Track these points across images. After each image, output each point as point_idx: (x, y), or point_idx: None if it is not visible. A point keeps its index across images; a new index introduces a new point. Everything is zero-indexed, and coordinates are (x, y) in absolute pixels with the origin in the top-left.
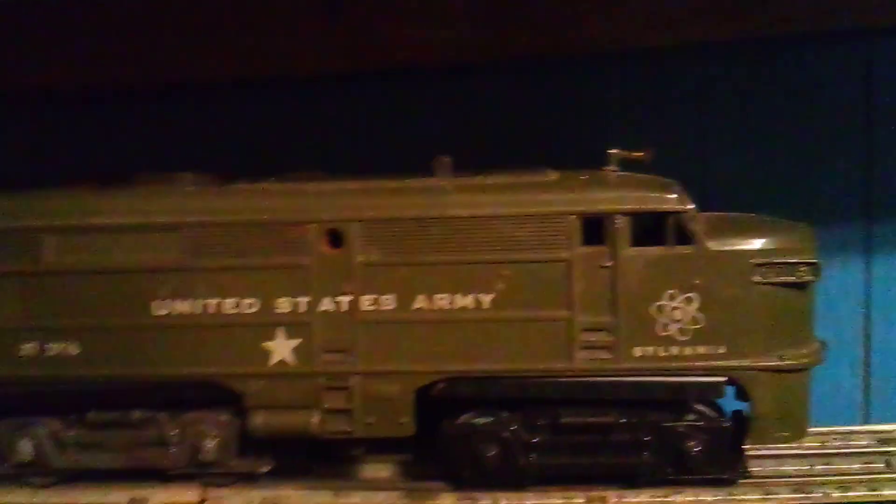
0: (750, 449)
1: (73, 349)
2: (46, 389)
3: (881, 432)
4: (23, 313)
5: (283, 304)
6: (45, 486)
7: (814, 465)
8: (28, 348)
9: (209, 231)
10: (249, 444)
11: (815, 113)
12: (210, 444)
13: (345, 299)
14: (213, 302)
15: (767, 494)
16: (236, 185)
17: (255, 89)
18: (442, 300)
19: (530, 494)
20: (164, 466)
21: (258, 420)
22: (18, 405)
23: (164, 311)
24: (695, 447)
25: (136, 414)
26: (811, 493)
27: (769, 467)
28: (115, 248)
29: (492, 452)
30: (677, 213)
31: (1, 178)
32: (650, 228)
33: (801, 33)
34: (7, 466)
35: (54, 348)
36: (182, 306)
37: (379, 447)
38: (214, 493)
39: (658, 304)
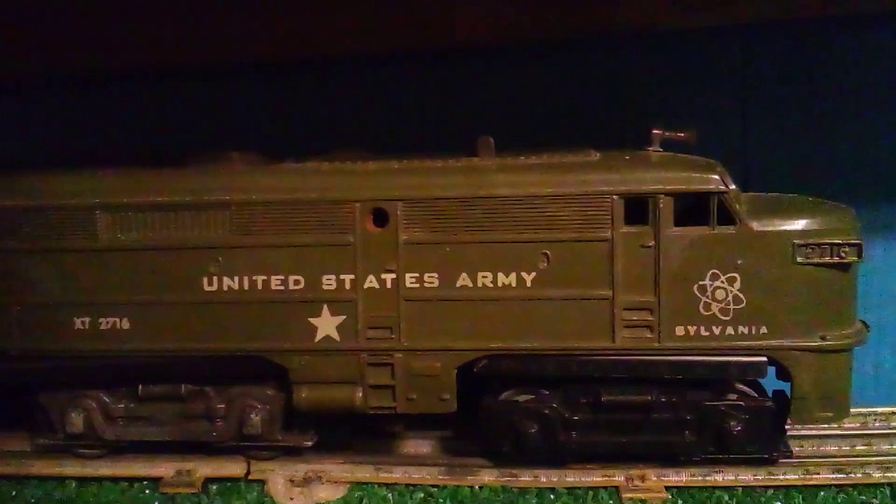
0: (791, 429)
1: (124, 324)
2: (98, 363)
3: None
4: (77, 288)
5: (329, 282)
6: (94, 458)
7: (855, 446)
8: (81, 322)
9: (257, 209)
10: (294, 418)
11: (857, 93)
12: (256, 418)
13: (389, 277)
14: (260, 278)
15: (808, 474)
16: (283, 164)
17: (300, 70)
18: (485, 278)
19: (570, 471)
20: (211, 439)
21: (303, 395)
22: (71, 378)
23: (213, 288)
24: (736, 426)
25: (185, 388)
26: (852, 473)
27: (810, 447)
28: (166, 225)
29: (533, 429)
30: (720, 193)
31: (55, 157)
32: (691, 209)
33: (843, 14)
34: (59, 437)
35: (106, 323)
36: (230, 283)
37: (419, 423)
38: (259, 466)
39: (700, 283)
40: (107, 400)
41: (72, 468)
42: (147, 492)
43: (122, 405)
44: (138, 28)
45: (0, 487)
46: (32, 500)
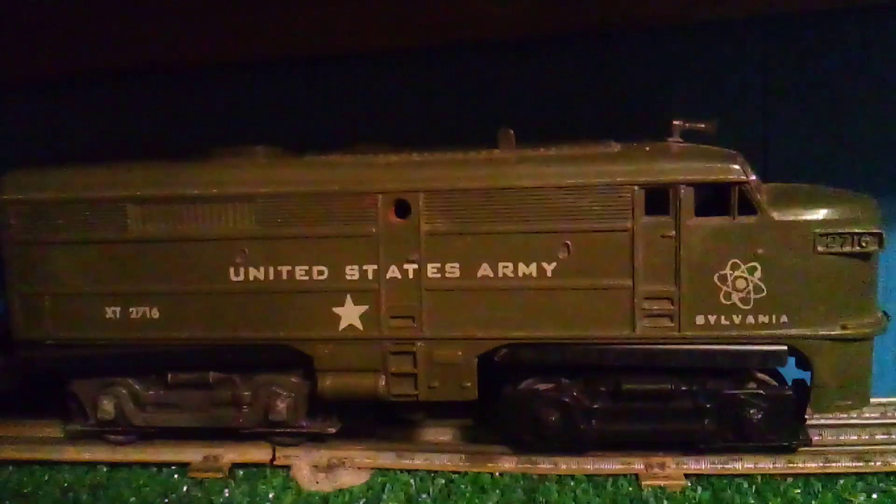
0: (810, 418)
1: (154, 313)
2: (128, 351)
3: None
4: (108, 279)
5: (352, 272)
6: (124, 443)
7: (874, 435)
8: (112, 312)
9: (282, 201)
10: (318, 405)
11: (876, 84)
12: (281, 405)
13: (411, 267)
14: (285, 269)
15: (827, 463)
16: (307, 157)
17: (322, 65)
18: (506, 268)
19: (590, 459)
20: (238, 425)
21: (327, 382)
22: (102, 366)
23: (239, 278)
24: (755, 415)
25: (212, 375)
26: (871, 461)
27: (829, 436)
28: (194, 217)
29: (553, 417)
30: (741, 183)
31: (88, 152)
32: (712, 199)
33: (863, 4)
34: (90, 424)
35: (136, 312)
36: (256, 273)
37: (440, 411)
38: (284, 452)
39: (721, 273)
40: (137, 387)
41: (103, 454)
42: (176, 477)
43: (152, 392)
44: (163, 25)
45: (34, 472)
46: (65, 485)
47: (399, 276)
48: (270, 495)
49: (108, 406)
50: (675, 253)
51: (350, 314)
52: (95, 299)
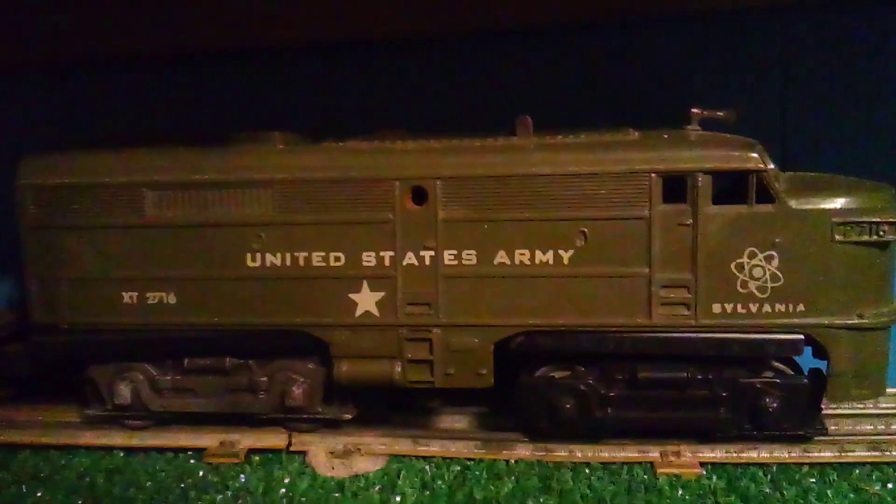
0: (827, 407)
1: (171, 298)
2: (145, 336)
3: None
4: (125, 264)
5: (369, 258)
6: (141, 428)
7: (891, 424)
8: (129, 297)
9: (299, 187)
10: (334, 391)
11: None
12: (297, 391)
13: (427, 254)
14: (302, 255)
15: (843, 452)
16: (324, 143)
17: (340, 52)
18: (522, 256)
19: (605, 447)
20: (254, 411)
21: (343, 369)
22: (119, 351)
23: (256, 264)
24: (771, 404)
25: (229, 361)
26: (887, 451)
27: (845, 426)
28: (211, 203)
29: (568, 405)
30: (759, 171)
31: (106, 137)
32: (730, 187)
33: None
34: (107, 409)
35: (153, 297)
36: (273, 259)
37: (455, 399)
38: (300, 438)
39: (738, 261)
40: (154, 372)
41: (119, 439)
42: (192, 462)
43: (169, 377)
44: (181, 11)
45: (50, 457)
46: (81, 469)
47: (416, 263)
48: (286, 481)
49: (124, 391)
50: (692, 241)
51: (366, 300)
52: (112, 284)
